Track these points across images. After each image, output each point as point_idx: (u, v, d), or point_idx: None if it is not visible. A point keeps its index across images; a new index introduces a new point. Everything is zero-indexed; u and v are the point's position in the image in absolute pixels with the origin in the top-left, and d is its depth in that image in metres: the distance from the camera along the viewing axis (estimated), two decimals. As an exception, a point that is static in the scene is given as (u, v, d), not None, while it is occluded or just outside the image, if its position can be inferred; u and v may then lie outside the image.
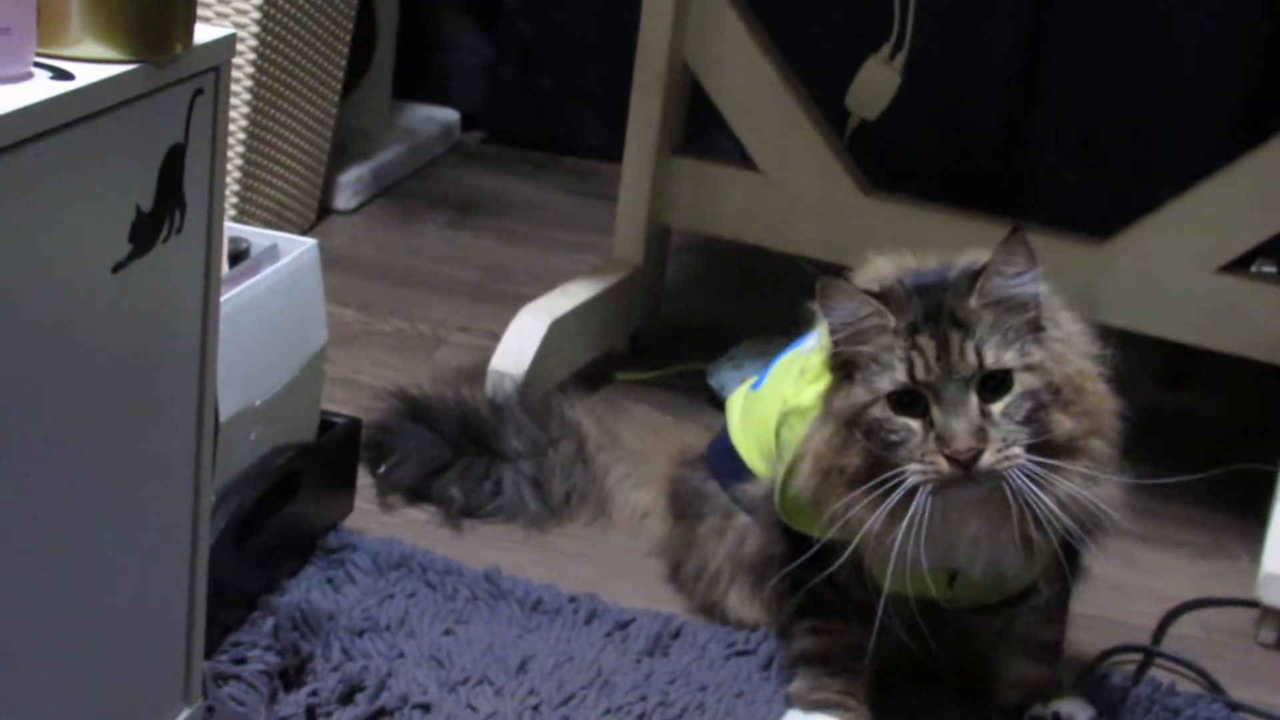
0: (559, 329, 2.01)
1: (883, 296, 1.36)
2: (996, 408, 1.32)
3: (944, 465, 1.31)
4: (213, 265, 1.23)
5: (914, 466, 1.32)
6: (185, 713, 1.29)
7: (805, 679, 1.49)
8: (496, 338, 2.01)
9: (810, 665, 1.50)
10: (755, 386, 1.63)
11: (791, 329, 1.59)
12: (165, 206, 1.16)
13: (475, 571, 1.65)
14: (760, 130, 2.11)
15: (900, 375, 1.33)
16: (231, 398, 1.47)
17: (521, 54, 2.91)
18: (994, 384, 1.32)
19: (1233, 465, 2.00)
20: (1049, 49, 2.61)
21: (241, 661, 1.44)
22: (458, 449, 1.81)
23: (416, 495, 1.80)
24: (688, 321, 2.33)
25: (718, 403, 2.09)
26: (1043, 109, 2.64)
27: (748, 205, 2.13)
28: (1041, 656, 1.52)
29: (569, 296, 2.08)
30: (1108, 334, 1.45)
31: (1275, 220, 1.95)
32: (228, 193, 2.23)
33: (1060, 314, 1.40)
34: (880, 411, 1.34)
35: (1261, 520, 1.77)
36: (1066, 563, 1.43)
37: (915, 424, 1.33)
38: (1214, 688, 1.62)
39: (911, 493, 1.32)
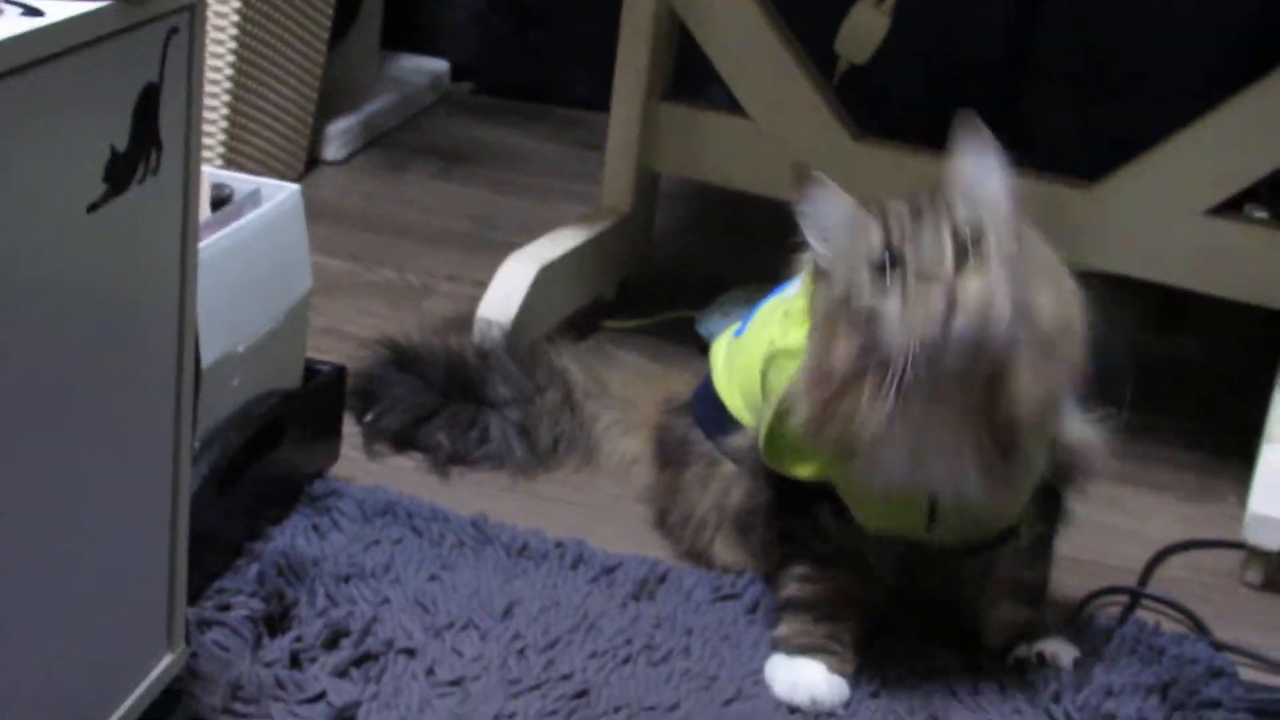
0: (547, 276, 2.01)
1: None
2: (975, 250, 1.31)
3: (931, 302, 1.29)
4: (190, 208, 1.22)
5: (898, 325, 1.29)
6: (168, 659, 1.28)
7: (791, 624, 1.50)
8: (485, 286, 2.00)
9: (796, 612, 1.50)
10: (739, 334, 1.63)
11: (780, 276, 1.60)
12: (140, 147, 1.15)
13: (462, 518, 1.65)
14: (748, 76, 2.10)
15: (876, 239, 1.33)
16: (214, 343, 1.47)
17: (512, 4, 2.90)
18: (972, 238, 1.31)
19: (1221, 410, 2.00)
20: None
21: (226, 608, 1.44)
22: (444, 396, 1.81)
23: (403, 443, 1.80)
24: (677, 269, 2.33)
25: (706, 350, 2.07)
26: (1035, 52, 2.63)
27: (736, 151, 2.12)
28: (1026, 598, 1.52)
29: (557, 244, 2.07)
30: (1096, 278, 1.43)
31: (1265, 162, 1.94)
32: (214, 143, 2.24)
33: (1031, 236, 1.38)
34: (862, 282, 1.32)
35: (1249, 463, 1.77)
36: (1048, 505, 1.43)
37: (898, 287, 1.31)
38: (1199, 628, 1.62)
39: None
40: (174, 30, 1.14)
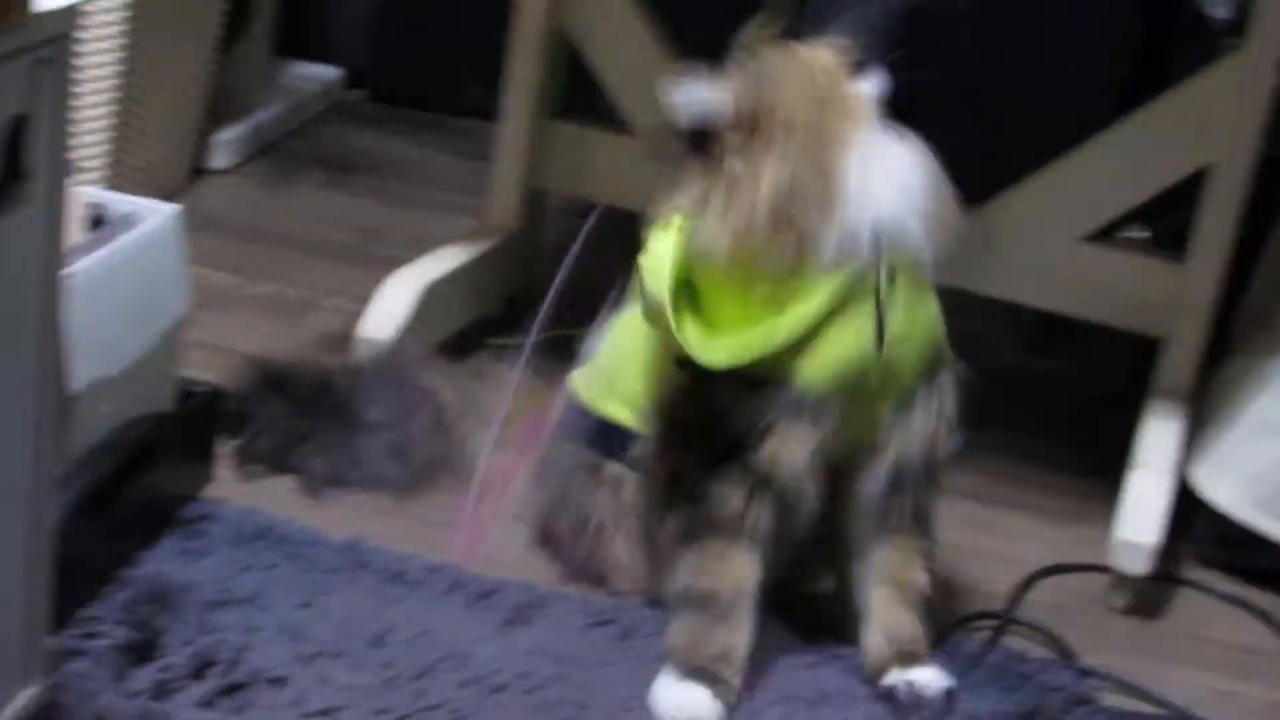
0: (429, 295, 2.01)
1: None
2: None
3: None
4: (57, 236, 1.21)
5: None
6: (27, 691, 1.27)
7: (685, 629, 1.50)
8: (369, 302, 2.00)
9: (692, 608, 1.50)
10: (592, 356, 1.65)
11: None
12: (7, 178, 1.14)
13: (337, 542, 1.65)
14: (637, 96, 2.11)
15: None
16: (85, 368, 1.45)
17: (407, 11, 2.89)
18: None
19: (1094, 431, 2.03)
20: (931, 14, 2.61)
21: (91, 637, 1.43)
22: (316, 418, 1.80)
23: (277, 466, 1.79)
24: (565, 286, 2.33)
25: (591, 368, 2.09)
26: (921, 76, 2.65)
27: (625, 171, 2.13)
28: (910, 603, 1.54)
29: (441, 262, 2.07)
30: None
31: (1140, 191, 1.98)
32: (98, 151, 2.21)
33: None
34: None
35: (1118, 487, 1.80)
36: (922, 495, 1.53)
37: None
38: (1065, 653, 1.64)
39: None
40: (43, 61, 1.13)
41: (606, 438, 1.63)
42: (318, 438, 1.79)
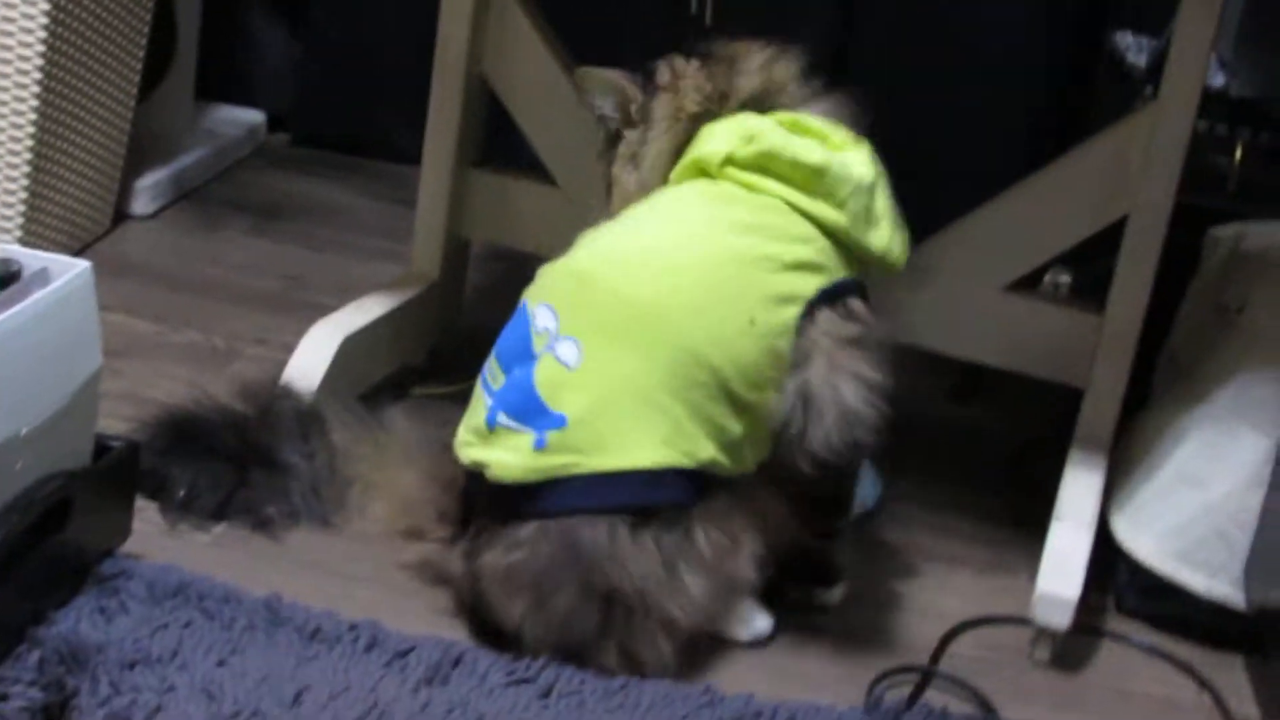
0: (352, 345, 1.99)
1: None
2: None
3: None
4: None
5: None
6: (-64, 758, 1.26)
7: None
8: (293, 350, 1.98)
9: None
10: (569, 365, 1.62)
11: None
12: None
13: (255, 598, 1.63)
14: (557, 145, 2.11)
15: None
16: (-5, 427, 1.43)
17: (329, 55, 2.88)
18: None
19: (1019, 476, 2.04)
20: (846, 64, 2.63)
21: (3, 698, 1.41)
22: (240, 465, 1.79)
23: (212, 517, 1.78)
24: (489, 333, 2.30)
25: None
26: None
27: (546, 219, 2.13)
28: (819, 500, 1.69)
29: (363, 311, 2.06)
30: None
31: (1058, 241, 1.99)
32: (15, 200, 2.19)
33: None
34: None
35: (1042, 536, 1.80)
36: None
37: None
38: (987, 708, 1.65)
39: None
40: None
41: (642, 489, 1.60)
42: (249, 485, 1.77)
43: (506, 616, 1.60)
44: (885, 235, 1.70)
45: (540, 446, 1.59)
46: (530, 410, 1.61)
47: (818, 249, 1.65)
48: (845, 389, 1.60)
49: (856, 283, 1.68)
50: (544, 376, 1.61)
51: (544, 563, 1.58)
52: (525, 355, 1.64)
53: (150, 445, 1.77)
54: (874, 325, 1.66)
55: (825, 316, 1.63)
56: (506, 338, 1.69)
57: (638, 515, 1.57)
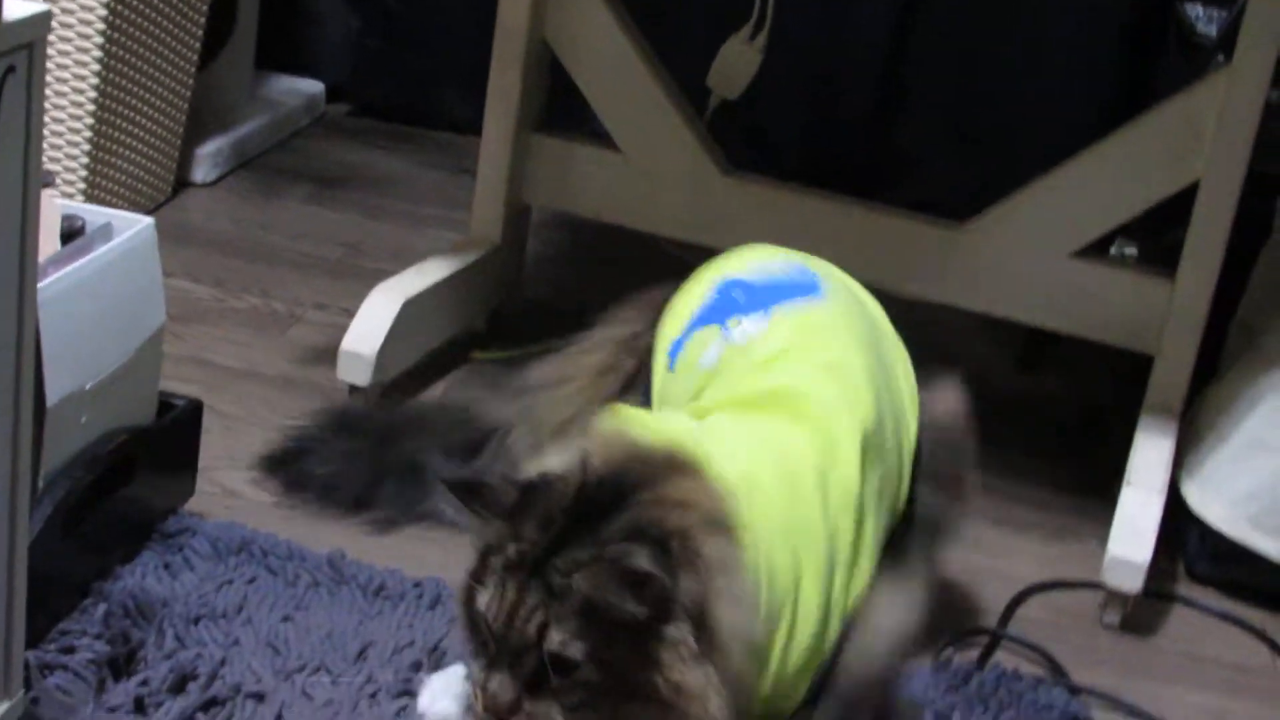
0: (412, 309, 1.98)
1: (523, 498, 1.27)
2: (550, 686, 1.23)
3: (479, 711, 1.26)
4: (28, 249, 1.19)
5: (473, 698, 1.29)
6: (4, 706, 1.25)
7: None
8: (353, 315, 1.98)
9: None
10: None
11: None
12: (-24, 186, 1.12)
13: (318, 556, 1.62)
14: (620, 109, 2.09)
15: (484, 601, 1.26)
16: (60, 381, 1.43)
17: (388, 25, 2.87)
18: (557, 664, 1.23)
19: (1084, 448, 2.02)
20: (916, 30, 2.61)
21: (69, 651, 1.41)
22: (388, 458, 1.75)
23: (357, 505, 1.73)
24: (548, 300, 2.31)
25: (575, 383, 2.07)
26: (908, 90, 2.64)
27: (607, 184, 2.11)
28: None
29: (424, 275, 2.05)
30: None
31: (1129, 206, 1.96)
32: (77, 165, 2.19)
33: (719, 604, 1.24)
34: (466, 611, 1.29)
35: (1111, 503, 1.78)
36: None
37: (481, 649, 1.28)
38: (1057, 671, 1.63)
39: None
40: (10, 70, 1.11)
41: None
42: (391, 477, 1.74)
43: None
44: None
45: None
46: None
47: None
48: None
49: None
50: None
51: None
52: None
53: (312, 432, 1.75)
54: None
55: None
56: None
57: None
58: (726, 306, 1.51)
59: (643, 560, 1.20)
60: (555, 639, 1.23)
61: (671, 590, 1.21)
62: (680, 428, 1.39)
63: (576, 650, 1.22)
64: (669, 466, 1.29)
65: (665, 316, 1.57)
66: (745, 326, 1.48)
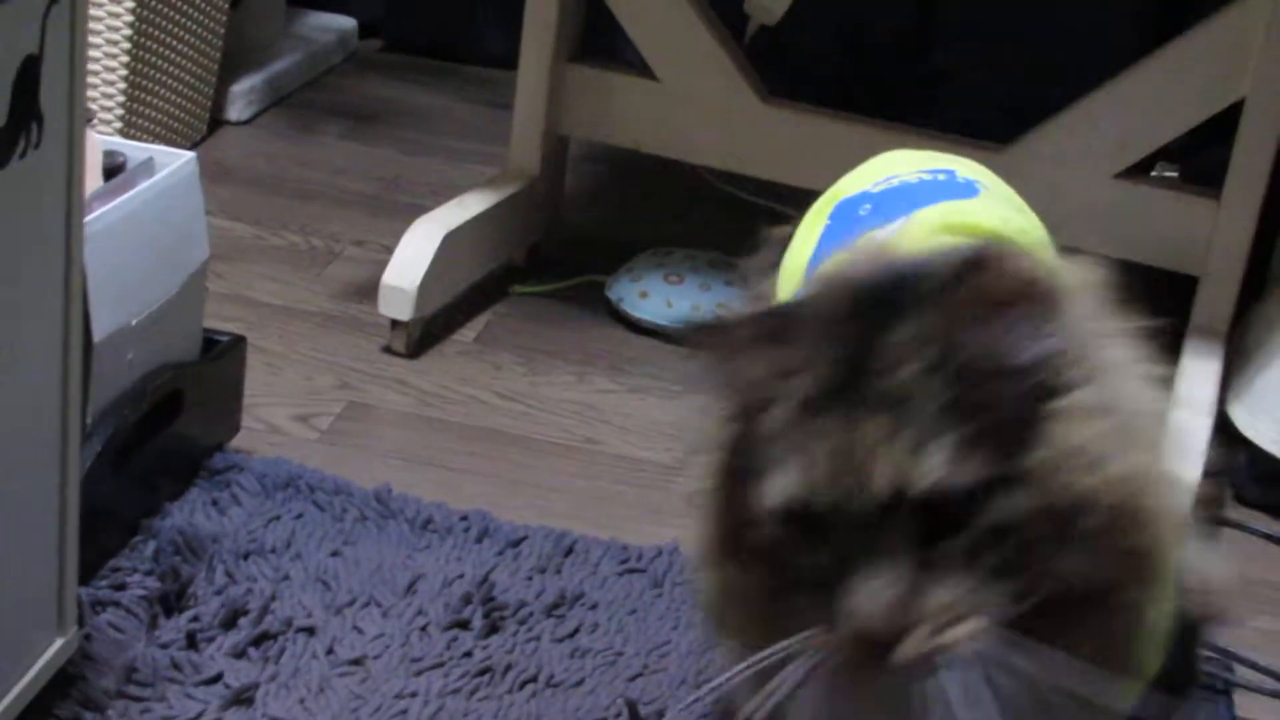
0: (453, 242, 1.98)
1: (786, 328, 0.87)
2: (944, 554, 0.81)
3: (843, 646, 0.82)
4: (75, 181, 1.19)
5: (803, 642, 0.84)
6: (59, 642, 1.26)
7: None
8: (392, 251, 1.97)
9: None
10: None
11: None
12: (21, 121, 1.11)
13: (365, 491, 1.62)
14: (657, 37, 2.07)
15: (790, 478, 0.83)
16: (106, 317, 1.43)
17: (420, -40, 2.85)
18: (944, 513, 0.81)
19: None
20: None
21: (121, 587, 1.41)
22: None
23: None
24: (587, 233, 2.30)
25: (616, 315, 2.06)
26: (947, 13, 2.62)
27: (645, 113, 2.10)
28: None
29: (464, 208, 2.04)
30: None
31: (1171, 126, 1.94)
32: (113, 104, 2.19)
33: (1106, 361, 0.87)
34: (767, 530, 0.85)
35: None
36: None
37: (816, 565, 0.83)
38: (1106, 596, 1.62)
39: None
40: (54, 1, 1.11)
41: None
42: None
43: None
44: None
45: None
46: None
47: None
48: None
49: None
50: None
51: None
52: None
53: None
54: None
55: None
56: None
57: None
58: (850, 225, 1.11)
59: (1007, 276, 0.83)
60: (933, 465, 0.80)
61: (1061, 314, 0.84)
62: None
63: (969, 472, 0.80)
64: (962, 259, 0.85)
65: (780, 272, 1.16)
66: (883, 239, 1.03)
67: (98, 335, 1.41)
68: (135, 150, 1.57)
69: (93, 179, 1.49)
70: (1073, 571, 0.82)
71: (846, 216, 1.14)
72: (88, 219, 1.39)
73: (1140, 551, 0.84)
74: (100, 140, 1.56)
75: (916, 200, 1.11)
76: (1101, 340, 0.88)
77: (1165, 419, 0.92)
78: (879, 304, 0.86)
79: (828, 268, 0.96)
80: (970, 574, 0.81)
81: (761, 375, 0.86)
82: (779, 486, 0.83)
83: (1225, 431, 1.82)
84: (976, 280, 0.83)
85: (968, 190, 1.15)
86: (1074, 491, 0.82)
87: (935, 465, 0.81)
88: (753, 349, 0.87)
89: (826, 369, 0.84)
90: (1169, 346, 1.84)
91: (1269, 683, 1.51)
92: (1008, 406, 0.82)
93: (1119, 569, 0.83)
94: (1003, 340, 0.83)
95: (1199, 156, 2.25)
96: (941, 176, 1.17)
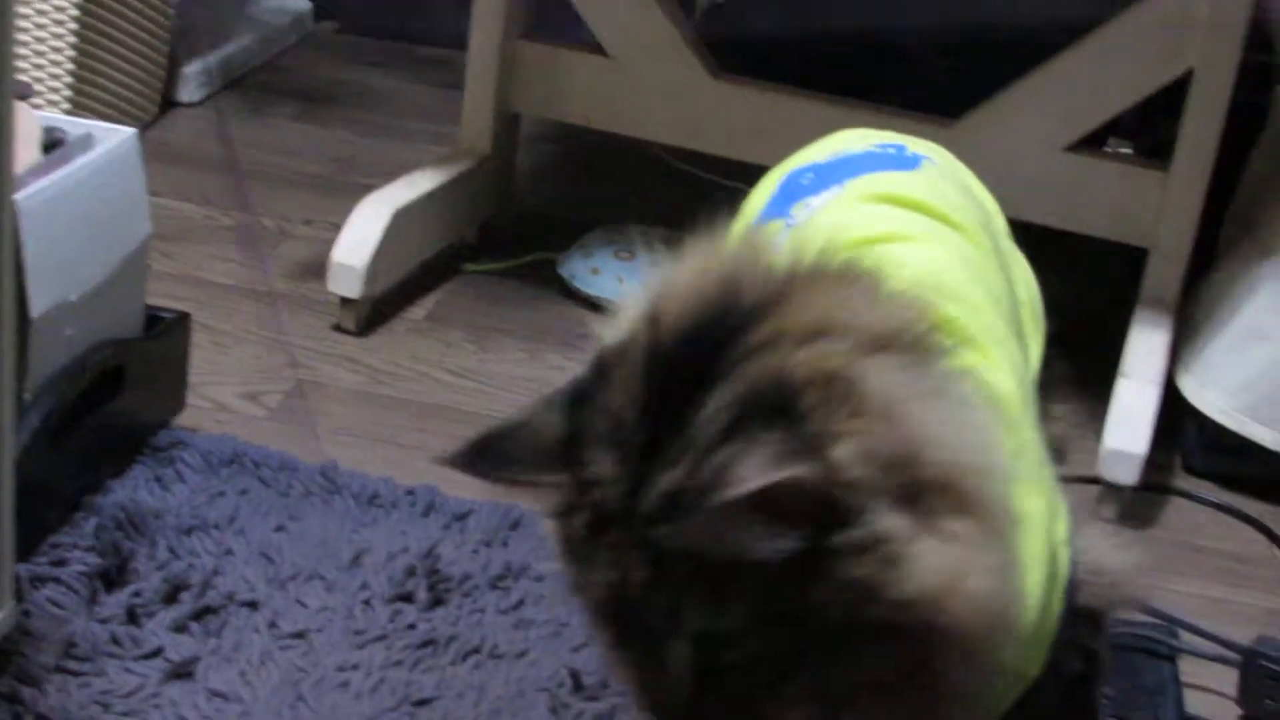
0: (403, 219, 1.97)
1: (571, 417, 0.87)
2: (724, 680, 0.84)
3: None
4: (4, 159, 1.17)
5: None
6: (-5, 616, 1.25)
7: None
8: (341, 229, 1.96)
9: None
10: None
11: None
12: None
13: (311, 467, 1.61)
14: (606, 13, 2.07)
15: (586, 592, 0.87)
16: (44, 293, 1.42)
17: (373, -59, 2.84)
18: (709, 649, 0.84)
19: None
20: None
21: (60, 563, 1.40)
22: None
23: None
24: (539, 210, 2.30)
25: (568, 292, 2.06)
26: (898, -10, 2.61)
27: (595, 90, 2.09)
28: None
29: (413, 186, 2.03)
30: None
31: (1121, 98, 1.94)
32: (60, 85, 2.17)
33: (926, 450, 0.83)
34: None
35: (1106, 401, 1.77)
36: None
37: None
38: (1054, 565, 1.62)
39: None
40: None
41: None
42: None
43: None
44: None
45: None
46: None
47: None
48: None
49: None
50: None
51: None
52: None
53: None
54: None
55: None
56: None
57: None
58: (791, 195, 1.12)
59: (755, 469, 0.77)
60: (693, 620, 0.81)
61: (829, 485, 0.79)
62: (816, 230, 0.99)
63: (732, 621, 0.81)
64: (799, 279, 0.85)
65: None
66: (812, 206, 1.08)
67: (35, 311, 1.40)
68: (75, 126, 1.56)
69: (31, 153, 1.48)
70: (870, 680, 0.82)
71: (791, 185, 1.15)
72: (26, 193, 1.38)
73: (949, 638, 0.81)
74: (40, 116, 1.55)
75: (857, 170, 1.12)
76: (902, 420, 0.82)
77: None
78: (664, 396, 0.84)
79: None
80: (752, 690, 0.82)
81: (559, 491, 0.87)
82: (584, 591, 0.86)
83: (1174, 407, 1.82)
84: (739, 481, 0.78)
85: (910, 163, 1.15)
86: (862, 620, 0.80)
87: (695, 619, 0.81)
88: (539, 469, 0.89)
89: (602, 492, 0.84)
90: (1120, 325, 1.85)
91: (1214, 648, 1.51)
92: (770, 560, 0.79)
93: (922, 658, 0.82)
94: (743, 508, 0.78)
95: (1152, 131, 2.26)
96: (891, 151, 1.18)
